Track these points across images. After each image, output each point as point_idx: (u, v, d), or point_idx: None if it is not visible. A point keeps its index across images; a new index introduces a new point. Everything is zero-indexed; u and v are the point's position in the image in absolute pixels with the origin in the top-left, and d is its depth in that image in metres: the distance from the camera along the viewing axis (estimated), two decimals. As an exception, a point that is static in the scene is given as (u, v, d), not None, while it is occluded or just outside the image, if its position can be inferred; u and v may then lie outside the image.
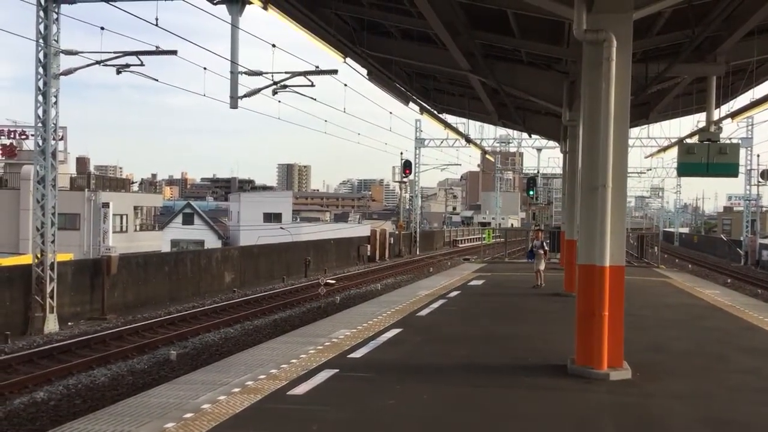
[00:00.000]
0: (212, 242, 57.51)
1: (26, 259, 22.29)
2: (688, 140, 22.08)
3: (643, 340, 10.55)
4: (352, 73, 16.97)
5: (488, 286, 18.94)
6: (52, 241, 19.81)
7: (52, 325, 19.10)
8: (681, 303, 15.71)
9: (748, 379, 8.42)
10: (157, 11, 17.17)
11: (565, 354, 8.84)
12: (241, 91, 20.09)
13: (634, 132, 41.23)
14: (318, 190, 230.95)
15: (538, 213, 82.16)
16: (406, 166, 50.56)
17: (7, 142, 41.99)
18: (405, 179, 54.22)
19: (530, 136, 44.59)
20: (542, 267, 18.02)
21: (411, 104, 22.03)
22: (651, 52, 14.79)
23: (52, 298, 19.37)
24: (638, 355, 9.07)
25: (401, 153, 53.18)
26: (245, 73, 20.23)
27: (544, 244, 18.87)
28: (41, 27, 19.51)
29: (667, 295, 17.21)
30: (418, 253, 52.13)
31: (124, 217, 41.39)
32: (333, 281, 28.45)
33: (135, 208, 43.42)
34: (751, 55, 13.99)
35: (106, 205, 37.91)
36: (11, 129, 42.50)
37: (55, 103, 19.94)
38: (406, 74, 19.71)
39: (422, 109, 23.37)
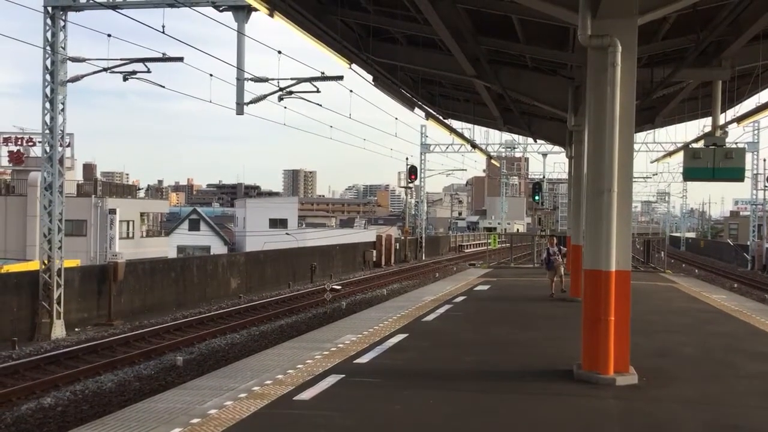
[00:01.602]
0: (218, 248, 57.67)
1: (33, 266, 22.40)
2: (694, 145, 22.02)
3: (650, 345, 10.52)
4: (358, 79, 17.09)
5: (494, 291, 18.92)
6: (59, 248, 19.91)
7: (59, 331, 19.16)
8: (687, 308, 15.66)
9: (756, 384, 8.39)
10: (164, 19, 17.29)
11: (571, 359, 8.82)
12: (247, 98, 20.20)
13: (640, 137, 41.23)
14: (323, 196, 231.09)
15: (543, 218, 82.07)
16: (412, 172, 50.57)
17: (15, 149, 42.25)
18: (410, 184, 54.26)
19: (536, 141, 44.50)
20: (562, 273, 17.42)
21: (416, 110, 22.04)
22: (656, 57, 14.79)
23: (59, 304, 19.44)
24: (645, 360, 9.05)
25: (407, 158, 53.25)
26: (251, 79, 20.31)
27: (561, 248, 17.90)
28: (48, 34, 19.65)
29: (674, 300, 17.16)
30: (423, 258, 52.11)
31: (131, 224, 41.55)
32: (339, 287, 28.44)
33: (141, 214, 43.61)
34: (757, 59, 13.97)
35: (112, 211, 38.10)
36: (19, 136, 42.76)
37: (62, 110, 20.06)
38: (412, 80, 19.75)
39: (428, 115, 23.38)
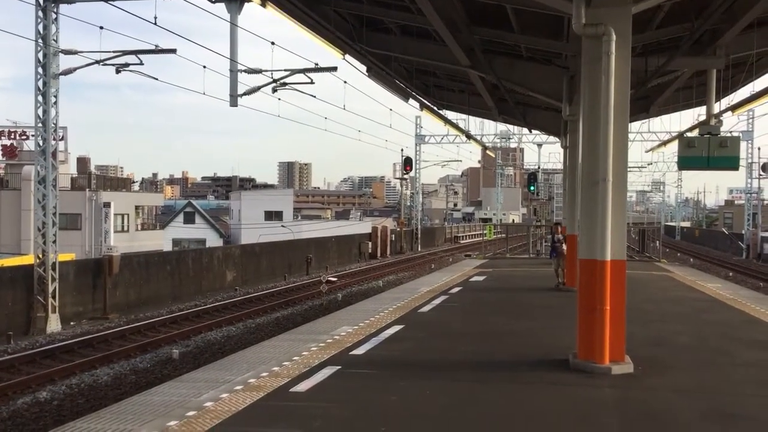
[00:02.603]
0: (214, 241, 57.59)
1: (28, 260, 22.32)
2: (689, 134, 22.05)
3: (646, 334, 10.54)
4: (352, 70, 16.96)
5: (490, 281, 18.94)
6: (54, 242, 19.83)
7: (54, 324, 19.12)
8: (683, 297, 15.69)
9: (752, 372, 8.42)
10: (156, 10, 17.14)
11: (566, 349, 8.83)
12: (241, 89, 20.06)
13: (635, 126, 41.20)
14: (319, 188, 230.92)
15: (539, 208, 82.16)
16: (407, 163, 50.52)
17: (8, 142, 42.01)
18: (406, 176, 54.24)
19: (531, 132, 44.47)
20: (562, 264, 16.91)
21: (411, 101, 22.01)
22: (651, 46, 14.76)
23: (54, 298, 19.39)
24: (640, 349, 9.07)
25: (402, 150, 53.20)
26: (245, 71, 20.19)
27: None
28: (40, 27, 19.50)
29: (669, 289, 17.20)
30: (419, 249, 52.13)
31: (126, 217, 41.46)
32: (335, 279, 28.45)
33: (136, 207, 43.49)
34: (751, 47, 13.95)
35: (107, 204, 37.97)
36: (12, 129, 42.51)
37: (55, 103, 19.94)
38: (406, 71, 19.69)
39: (422, 106, 23.34)
